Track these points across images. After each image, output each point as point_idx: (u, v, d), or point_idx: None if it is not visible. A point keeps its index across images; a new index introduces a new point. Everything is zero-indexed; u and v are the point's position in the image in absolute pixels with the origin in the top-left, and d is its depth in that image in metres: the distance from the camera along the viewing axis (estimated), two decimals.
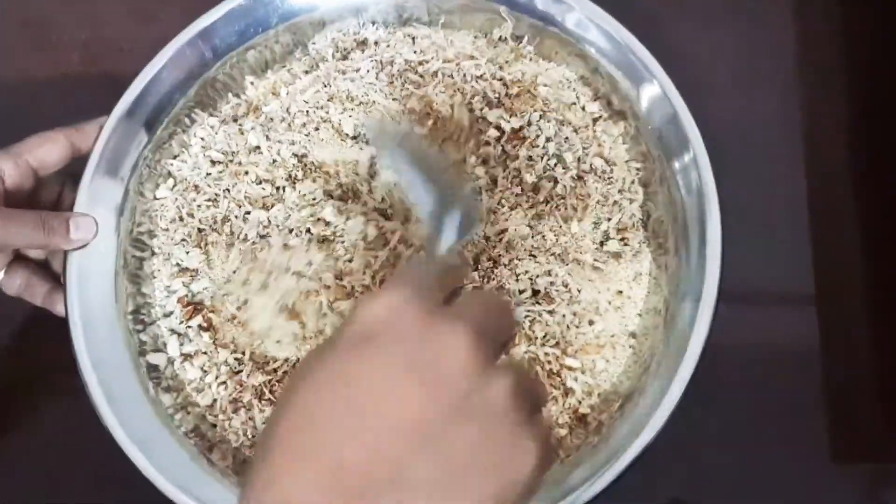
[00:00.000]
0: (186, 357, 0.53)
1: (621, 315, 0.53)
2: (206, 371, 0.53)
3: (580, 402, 0.51)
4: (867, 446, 0.56)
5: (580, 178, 0.56)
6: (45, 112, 0.63)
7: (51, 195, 0.55)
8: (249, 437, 0.52)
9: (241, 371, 0.52)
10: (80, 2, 0.69)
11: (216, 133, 0.58)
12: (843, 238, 0.59)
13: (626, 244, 0.54)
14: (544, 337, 0.52)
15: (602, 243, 0.54)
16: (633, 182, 0.56)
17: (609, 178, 0.56)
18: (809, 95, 0.62)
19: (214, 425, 0.52)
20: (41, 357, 0.58)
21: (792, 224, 0.59)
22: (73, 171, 0.53)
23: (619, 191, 0.56)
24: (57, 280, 0.54)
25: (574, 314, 0.53)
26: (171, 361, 0.53)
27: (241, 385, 0.52)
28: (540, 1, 0.57)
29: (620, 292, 0.53)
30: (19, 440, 0.58)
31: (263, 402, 0.52)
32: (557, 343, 0.52)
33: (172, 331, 0.54)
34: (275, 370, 0.52)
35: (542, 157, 0.56)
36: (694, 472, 0.55)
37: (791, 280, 0.58)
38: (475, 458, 0.29)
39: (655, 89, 0.53)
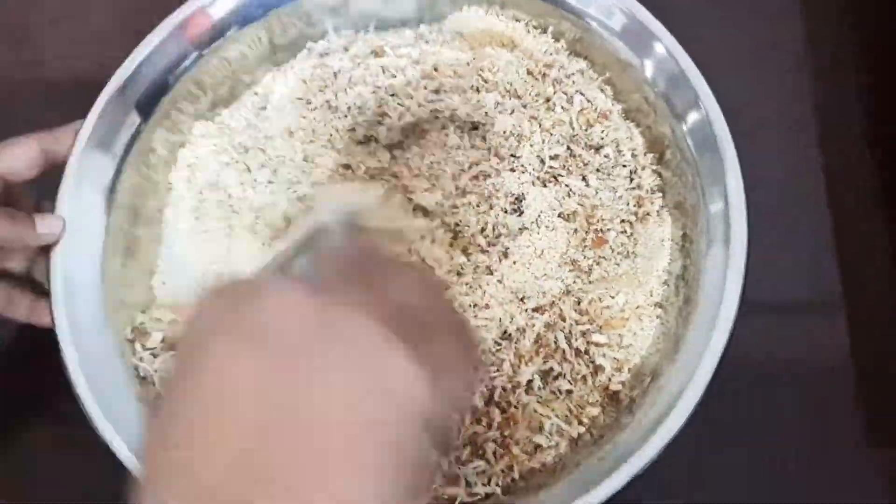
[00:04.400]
0: None
1: (646, 285, 0.50)
2: None
3: (610, 379, 0.48)
4: None
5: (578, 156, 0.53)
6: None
7: (25, 209, 0.51)
8: None
9: None
10: (67, 16, 0.66)
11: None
12: (867, 237, 0.57)
13: (645, 211, 0.52)
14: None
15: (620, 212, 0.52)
16: (644, 151, 0.54)
17: (618, 150, 0.54)
18: (822, 85, 0.60)
19: None
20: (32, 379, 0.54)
21: (813, 227, 0.56)
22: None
23: (633, 155, 0.53)
24: (39, 292, 0.50)
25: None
26: None
27: None
28: None
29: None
30: (13, 466, 0.54)
31: None
32: (584, 318, 0.49)
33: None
34: None
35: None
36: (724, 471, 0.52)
37: (816, 286, 0.56)
38: (342, 402, 0.25)
39: (660, 50, 0.51)
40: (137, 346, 0.50)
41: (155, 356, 0.49)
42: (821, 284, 0.55)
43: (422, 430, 0.25)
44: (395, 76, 0.57)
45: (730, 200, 0.47)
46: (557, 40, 0.57)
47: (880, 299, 0.55)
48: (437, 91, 0.56)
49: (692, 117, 0.50)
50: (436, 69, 0.57)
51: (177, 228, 0.54)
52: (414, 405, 0.25)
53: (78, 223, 0.49)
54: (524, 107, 0.54)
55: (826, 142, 0.58)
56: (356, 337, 0.25)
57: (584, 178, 0.52)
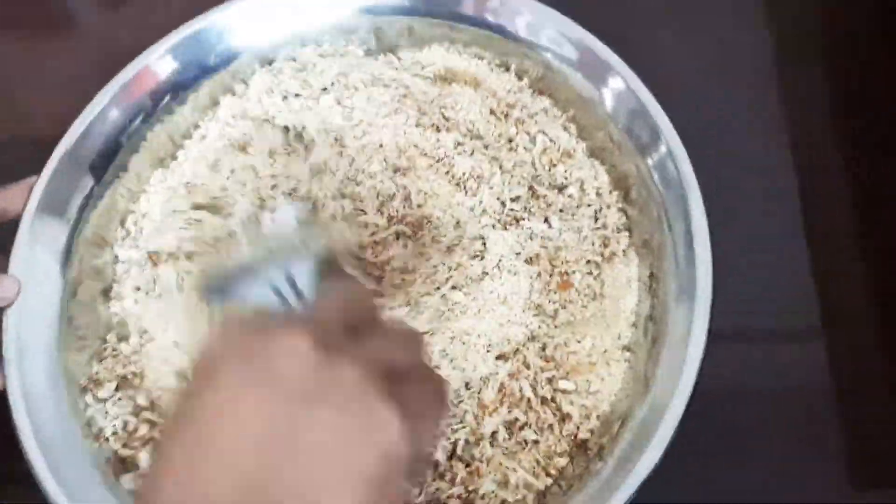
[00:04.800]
0: None
1: (613, 327, 0.49)
2: None
3: (578, 427, 0.47)
4: (889, 471, 0.52)
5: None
6: None
7: None
8: None
9: None
10: (54, 72, 0.67)
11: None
12: (844, 261, 0.55)
13: (612, 251, 0.51)
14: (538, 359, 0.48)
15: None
16: (609, 190, 0.53)
17: (583, 189, 0.53)
18: (791, 99, 0.59)
19: None
20: None
21: (791, 255, 0.55)
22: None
23: (598, 194, 0.52)
24: None
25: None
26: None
27: None
28: (489, 11, 0.55)
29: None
30: None
31: None
32: (550, 365, 0.48)
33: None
34: None
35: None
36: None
37: (794, 313, 0.54)
38: (337, 443, 0.29)
39: (619, 84, 0.51)
40: (89, 397, 0.49)
41: (107, 408, 0.48)
42: (799, 313, 0.54)
43: (398, 471, 0.30)
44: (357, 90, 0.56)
45: (695, 237, 0.46)
46: (521, 78, 0.57)
47: (859, 328, 0.54)
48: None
49: (655, 153, 0.49)
50: (405, 96, 0.56)
51: (126, 284, 0.53)
52: (395, 451, 0.29)
53: (32, 285, 0.48)
54: (485, 147, 0.53)
55: (803, 169, 0.57)
56: (351, 389, 0.29)
57: (546, 220, 0.51)
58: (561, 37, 0.53)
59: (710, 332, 0.44)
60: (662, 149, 0.48)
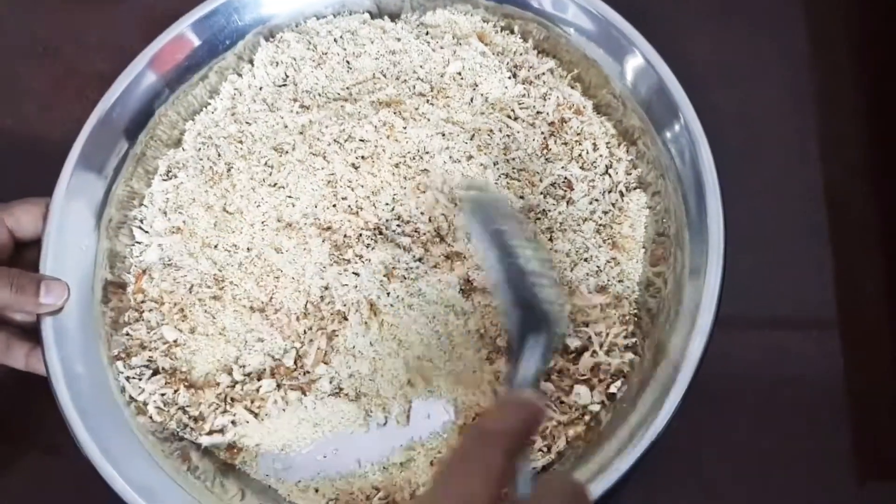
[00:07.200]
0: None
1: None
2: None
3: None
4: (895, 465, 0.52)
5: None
6: None
7: (34, 256, 0.51)
8: None
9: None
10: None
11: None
12: (864, 254, 0.55)
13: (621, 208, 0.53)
14: None
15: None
16: (618, 143, 0.54)
17: (594, 144, 0.54)
18: (822, 93, 0.59)
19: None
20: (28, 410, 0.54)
21: (810, 244, 0.55)
22: None
23: (608, 148, 0.54)
24: (38, 339, 0.50)
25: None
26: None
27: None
28: None
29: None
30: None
31: None
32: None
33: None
34: None
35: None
36: (714, 494, 0.51)
37: (810, 301, 0.54)
38: None
39: (639, 60, 0.52)
40: (120, 364, 0.50)
41: (140, 379, 0.50)
42: (815, 302, 0.54)
43: None
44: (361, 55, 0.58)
45: (706, 190, 0.48)
46: (526, 40, 0.57)
47: (874, 321, 0.53)
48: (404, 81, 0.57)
49: (671, 123, 0.51)
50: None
51: (141, 264, 0.54)
52: None
53: (66, 260, 0.51)
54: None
55: (826, 160, 0.57)
56: None
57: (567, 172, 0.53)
58: (583, 12, 0.54)
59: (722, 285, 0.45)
60: (679, 126, 0.50)
